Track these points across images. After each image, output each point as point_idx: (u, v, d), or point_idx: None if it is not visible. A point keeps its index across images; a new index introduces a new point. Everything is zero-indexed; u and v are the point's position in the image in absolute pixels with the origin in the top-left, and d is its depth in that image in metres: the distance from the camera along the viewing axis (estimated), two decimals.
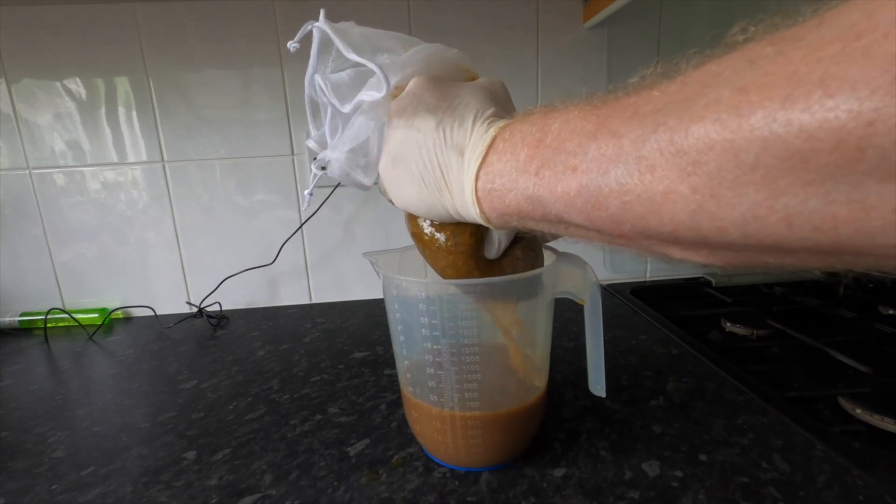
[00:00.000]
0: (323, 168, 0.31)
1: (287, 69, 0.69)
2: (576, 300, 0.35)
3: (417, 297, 0.32)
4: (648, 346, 0.55)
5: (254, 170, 0.72)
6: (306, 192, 0.33)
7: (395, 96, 0.28)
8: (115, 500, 0.35)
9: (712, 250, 0.18)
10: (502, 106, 0.27)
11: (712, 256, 0.19)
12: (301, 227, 0.74)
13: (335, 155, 0.29)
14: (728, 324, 0.61)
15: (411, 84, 0.28)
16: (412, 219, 0.31)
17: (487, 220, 0.25)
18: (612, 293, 0.75)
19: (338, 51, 0.26)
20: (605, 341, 0.35)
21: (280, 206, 0.74)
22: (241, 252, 0.75)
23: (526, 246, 0.32)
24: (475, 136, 0.25)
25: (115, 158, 0.70)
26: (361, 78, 0.28)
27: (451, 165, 0.25)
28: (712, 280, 0.78)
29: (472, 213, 0.25)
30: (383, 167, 0.28)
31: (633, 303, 0.70)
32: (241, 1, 0.67)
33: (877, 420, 0.40)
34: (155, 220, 0.73)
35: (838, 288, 0.70)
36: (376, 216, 0.76)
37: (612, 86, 0.21)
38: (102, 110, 0.68)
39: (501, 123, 0.24)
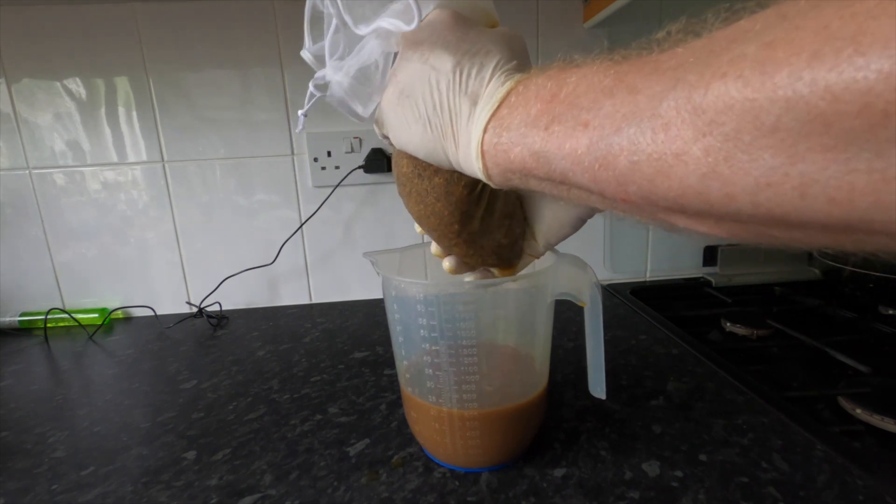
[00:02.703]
0: (319, 88, 0.28)
1: (287, 69, 0.69)
2: (576, 302, 0.35)
3: (416, 298, 0.32)
4: (648, 346, 0.55)
5: (254, 170, 0.72)
6: (300, 112, 0.30)
7: None
8: (115, 500, 0.35)
9: (718, 220, 0.17)
10: (522, 60, 0.25)
11: (717, 227, 0.18)
12: (301, 227, 0.74)
13: (338, 78, 0.27)
14: (728, 324, 0.61)
15: (432, 16, 0.26)
16: (403, 158, 0.29)
17: (489, 176, 0.24)
18: (612, 293, 0.75)
19: None
20: (605, 341, 0.35)
21: (280, 206, 0.74)
22: (241, 252, 0.75)
23: (506, 205, 0.30)
24: (491, 86, 0.23)
25: (115, 158, 0.70)
26: None
27: (462, 113, 0.24)
28: (712, 280, 0.78)
29: (473, 167, 0.24)
30: (388, 100, 0.26)
31: (633, 303, 0.70)
32: (241, 1, 0.67)
33: (877, 420, 0.40)
34: (155, 220, 0.73)
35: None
36: (376, 216, 0.76)
37: (636, 42, 0.19)
38: (102, 110, 0.68)
39: (519, 77, 0.23)
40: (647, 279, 0.82)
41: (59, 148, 0.69)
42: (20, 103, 0.67)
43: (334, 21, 0.26)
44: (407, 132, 0.26)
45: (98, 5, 0.65)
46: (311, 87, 0.29)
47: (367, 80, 0.27)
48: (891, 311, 0.64)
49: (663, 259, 0.82)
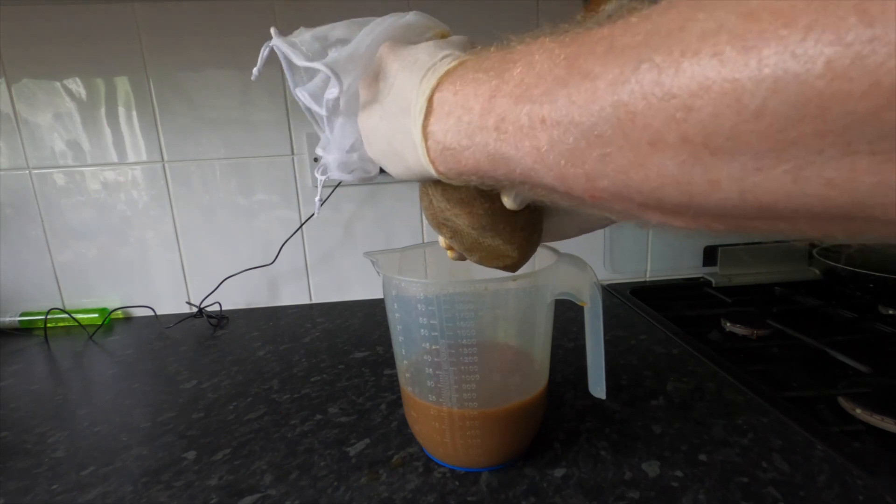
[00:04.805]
0: (324, 173, 0.30)
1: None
2: (576, 302, 0.35)
3: (416, 298, 0.32)
4: (648, 346, 0.55)
5: (254, 170, 0.72)
6: (316, 198, 0.33)
7: None
8: (115, 500, 0.35)
9: (698, 214, 0.16)
10: (455, 52, 0.23)
11: (696, 221, 0.16)
12: (301, 227, 0.74)
13: (331, 157, 0.29)
14: (728, 324, 0.61)
15: (378, 55, 0.26)
16: (431, 196, 0.28)
17: (448, 179, 0.24)
18: (612, 293, 0.75)
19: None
20: (605, 341, 0.35)
21: (280, 206, 0.74)
22: (241, 252, 0.75)
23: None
24: (419, 91, 0.22)
25: (115, 158, 0.70)
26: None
27: (405, 128, 0.23)
28: (712, 280, 0.78)
29: (433, 175, 0.23)
30: (368, 150, 0.28)
31: (633, 303, 0.70)
32: (241, 1, 0.67)
33: (877, 420, 0.40)
34: (155, 220, 0.73)
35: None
36: (376, 216, 0.76)
37: (581, 15, 0.17)
38: (102, 110, 0.68)
39: (443, 69, 0.22)
40: (647, 279, 0.82)
41: (59, 148, 0.69)
42: (20, 103, 0.67)
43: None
44: (393, 171, 0.27)
45: (98, 5, 0.65)
46: (317, 175, 0.30)
47: (355, 147, 0.29)
48: (891, 311, 0.64)
49: (663, 259, 0.82)
